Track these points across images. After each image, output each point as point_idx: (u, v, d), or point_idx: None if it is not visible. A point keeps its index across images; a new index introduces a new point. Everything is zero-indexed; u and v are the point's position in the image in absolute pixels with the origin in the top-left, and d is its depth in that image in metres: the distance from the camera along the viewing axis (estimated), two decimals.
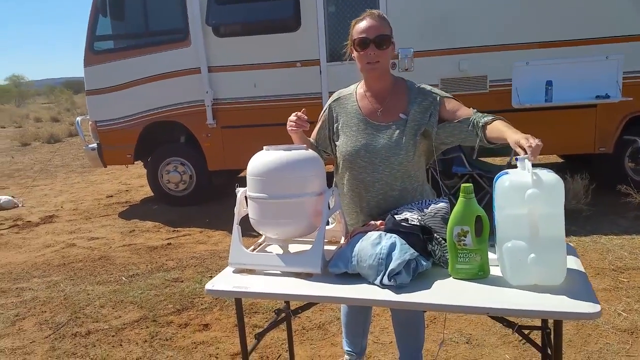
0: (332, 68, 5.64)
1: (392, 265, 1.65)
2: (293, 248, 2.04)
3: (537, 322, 2.08)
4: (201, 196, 6.38)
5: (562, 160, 7.27)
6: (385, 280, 1.64)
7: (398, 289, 1.63)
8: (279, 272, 1.83)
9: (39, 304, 3.77)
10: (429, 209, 1.95)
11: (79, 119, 7.03)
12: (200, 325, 3.26)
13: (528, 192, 1.54)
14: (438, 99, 2.05)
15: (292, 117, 2.02)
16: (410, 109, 2.04)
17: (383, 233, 1.79)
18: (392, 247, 1.71)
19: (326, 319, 3.25)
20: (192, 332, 3.19)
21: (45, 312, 3.62)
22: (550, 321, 1.78)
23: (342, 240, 2.03)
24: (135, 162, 6.50)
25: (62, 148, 13.21)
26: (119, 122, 6.21)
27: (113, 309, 3.59)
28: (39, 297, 3.89)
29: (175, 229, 5.50)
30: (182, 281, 4.00)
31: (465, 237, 1.65)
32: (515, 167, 1.65)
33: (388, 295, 1.61)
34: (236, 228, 1.91)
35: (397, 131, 2.03)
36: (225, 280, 1.82)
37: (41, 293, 3.98)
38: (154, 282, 4.01)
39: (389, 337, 2.99)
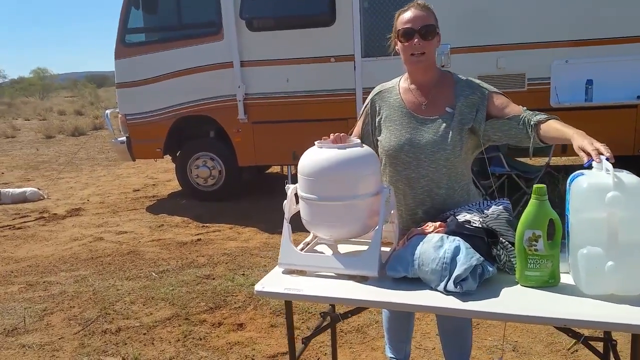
0: (366, 64, 5.58)
1: (457, 271, 1.56)
2: (343, 248, 1.96)
3: (600, 332, 1.97)
4: (230, 192, 6.34)
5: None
6: (451, 287, 1.56)
7: (464, 295, 1.54)
8: (332, 274, 1.75)
9: (67, 298, 3.76)
10: (490, 210, 1.85)
11: (108, 111, 7.05)
12: (235, 324, 3.20)
13: (609, 194, 1.43)
14: (486, 93, 1.96)
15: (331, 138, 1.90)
16: (457, 103, 1.96)
17: (445, 236, 1.70)
18: (457, 250, 1.62)
19: (365, 322, 3.17)
20: (226, 331, 3.13)
21: (73, 307, 3.61)
22: (616, 332, 1.67)
23: (396, 242, 1.94)
24: (164, 157, 6.50)
25: (87, 141, 13.34)
26: (149, 115, 6.21)
27: (144, 305, 3.56)
28: (67, 292, 3.88)
29: (205, 225, 5.47)
30: (213, 278, 3.95)
31: (536, 241, 1.55)
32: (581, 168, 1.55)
33: (454, 302, 1.52)
34: (286, 227, 1.83)
35: (444, 125, 1.95)
36: (275, 282, 1.75)
37: (69, 287, 3.97)
38: (185, 278, 3.97)
39: (431, 343, 2.90)
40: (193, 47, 5.95)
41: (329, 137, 1.84)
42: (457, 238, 1.68)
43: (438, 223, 1.82)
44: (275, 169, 7.86)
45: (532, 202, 1.55)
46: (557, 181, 5.29)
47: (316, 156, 1.78)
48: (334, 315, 2.07)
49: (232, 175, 6.27)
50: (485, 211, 1.86)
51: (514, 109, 1.92)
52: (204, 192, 6.37)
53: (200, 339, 3.06)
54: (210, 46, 5.88)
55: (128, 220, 5.87)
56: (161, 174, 8.59)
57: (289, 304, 1.80)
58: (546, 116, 1.82)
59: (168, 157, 6.85)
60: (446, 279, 1.58)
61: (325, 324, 2.04)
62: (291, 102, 5.80)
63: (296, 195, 1.88)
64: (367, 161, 1.77)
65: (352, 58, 5.58)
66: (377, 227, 1.76)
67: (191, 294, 3.69)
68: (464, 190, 2.04)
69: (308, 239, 2.06)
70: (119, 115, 6.38)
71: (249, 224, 5.38)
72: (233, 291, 3.68)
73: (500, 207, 1.87)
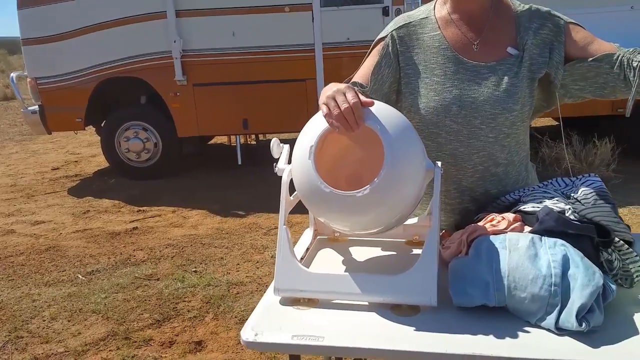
0: (327, 14, 5.09)
1: (580, 297, 1.00)
2: (361, 251, 1.39)
3: None
4: (169, 168, 5.73)
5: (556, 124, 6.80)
6: (569, 322, 1.00)
7: (587, 336, 0.99)
8: (360, 302, 1.16)
9: None
10: (579, 193, 1.31)
11: (13, 75, 6.16)
12: (191, 343, 2.57)
13: None
14: (562, 25, 1.39)
15: (342, 104, 1.10)
16: (523, 41, 1.39)
17: (536, 237, 1.14)
18: (566, 263, 1.06)
19: None
20: (180, 354, 2.50)
21: None
22: None
23: (435, 244, 1.35)
24: (86, 128, 5.77)
25: None
26: (65, 78, 5.45)
27: (69, 321, 2.86)
28: None
29: (141, 209, 4.76)
30: (157, 279, 3.29)
31: None
32: None
33: (578, 348, 0.96)
34: (284, 234, 1.20)
35: (507, 74, 1.38)
36: (272, 322, 1.13)
37: None
38: (121, 281, 3.28)
39: None
40: None
41: (329, 108, 1.11)
42: (559, 241, 1.12)
43: (512, 216, 1.25)
44: (221, 139, 7.18)
45: None
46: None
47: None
48: None
49: (170, 148, 5.66)
50: (573, 194, 1.31)
51: (602, 46, 1.36)
52: (137, 169, 5.72)
53: None
54: None
55: (46, 207, 5.05)
56: (84, 149, 7.75)
57: (295, 359, 1.19)
58: None
59: (92, 129, 6.18)
60: (556, 309, 1.02)
61: None
62: (238, 60, 5.22)
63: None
64: (406, 127, 1.18)
65: (309, 7, 5.06)
66: (432, 224, 1.18)
67: (130, 302, 3.01)
68: (522, 164, 1.50)
69: (307, 239, 1.46)
70: (28, 80, 5.53)
71: (196, 205, 4.74)
72: (184, 295, 3.03)
73: (591, 187, 1.32)
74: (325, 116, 1.11)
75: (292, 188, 1.24)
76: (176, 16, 5.11)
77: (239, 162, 5.79)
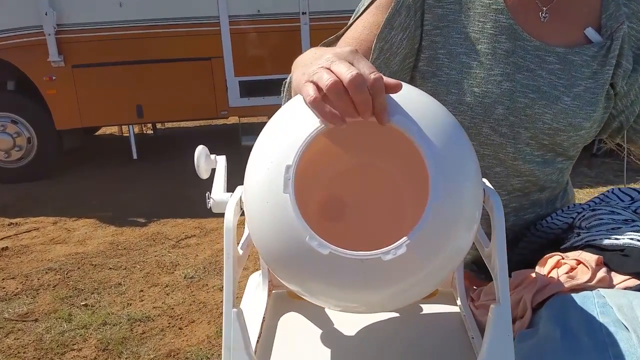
0: None
1: None
2: (338, 315, 0.89)
3: None
4: (48, 168, 5.06)
5: None
6: None
7: None
8: None
9: None
10: None
11: None
12: None
13: None
14: None
15: (352, 81, 0.57)
16: (611, 24, 0.95)
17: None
18: None
19: None
20: None
21: None
22: None
23: (464, 306, 0.89)
24: None
25: None
26: None
27: None
28: None
29: (13, 222, 4.02)
30: (35, 319, 2.62)
31: None
32: None
33: None
34: (233, 319, 0.68)
35: (585, 71, 0.94)
36: None
37: None
38: None
39: None
40: None
41: (323, 88, 0.59)
42: None
43: (593, 258, 0.83)
44: (111, 128, 6.44)
45: None
46: None
47: None
48: None
49: (47, 144, 5.01)
50: None
51: None
52: (6, 170, 5.05)
53: None
54: None
55: None
56: None
57: None
58: None
59: None
60: None
61: None
62: (127, 35, 4.68)
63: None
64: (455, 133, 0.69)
65: None
66: (499, 282, 0.69)
67: None
68: (562, 186, 1.09)
69: (256, 297, 0.96)
70: None
71: (83, 214, 4.07)
72: (73, 341, 2.40)
73: None
74: (312, 105, 0.59)
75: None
76: None
77: (134, 157, 5.21)
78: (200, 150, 0.87)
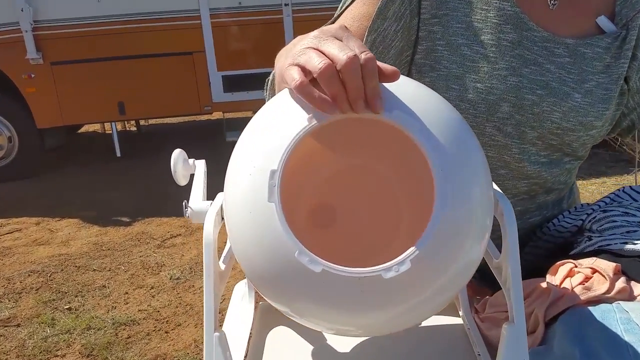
0: None
1: None
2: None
3: None
4: (29, 167, 4.93)
5: None
6: None
7: None
8: None
9: None
10: None
11: None
12: None
13: None
14: None
15: (343, 58, 0.51)
16: (626, 13, 0.88)
17: None
18: None
19: None
20: None
21: None
22: None
23: (471, 318, 0.85)
24: None
25: None
26: None
27: None
28: None
29: None
30: (17, 324, 2.56)
31: None
32: None
33: None
34: (215, 341, 0.64)
35: (597, 65, 0.88)
36: None
37: None
38: None
39: None
40: None
41: (310, 69, 0.52)
42: None
43: (610, 266, 0.78)
44: (94, 126, 6.32)
45: None
46: None
47: None
48: None
49: (28, 143, 4.88)
50: None
51: None
52: None
53: None
54: None
55: None
56: None
57: None
58: None
59: None
60: None
61: None
62: (107, 31, 4.56)
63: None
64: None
65: None
66: (513, 300, 0.64)
67: None
68: (569, 186, 1.03)
69: (242, 310, 0.92)
70: None
71: (66, 214, 3.98)
72: (56, 347, 2.35)
73: None
74: (299, 90, 0.52)
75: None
76: None
77: (118, 154, 5.12)
78: (177, 155, 0.82)
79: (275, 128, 0.54)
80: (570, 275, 0.75)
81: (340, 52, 0.50)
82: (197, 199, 0.76)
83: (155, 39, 4.55)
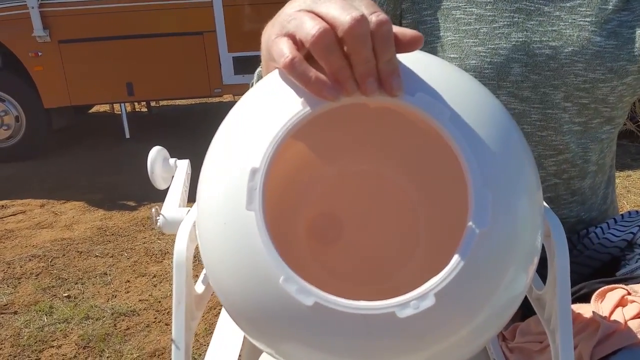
0: None
1: None
2: None
3: None
4: (36, 147, 4.84)
5: None
6: None
7: None
8: None
9: None
10: None
11: None
12: None
13: None
14: None
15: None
16: None
17: None
18: None
19: None
20: None
21: None
22: None
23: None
24: None
25: None
26: None
27: None
28: None
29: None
30: (15, 312, 2.48)
31: None
32: None
33: None
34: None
35: (615, 19, 0.75)
36: None
37: None
38: None
39: None
40: None
41: (305, 40, 0.39)
42: None
43: None
44: (104, 106, 6.23)
45: None
46: None
47: None
48: None
49: (35, 123, 4.78)
50: None
51: None
52: None
53: None
54: None
55: None
56: None
57: None
58: None
59: None
60: None
61: None
62: (116, 9, 4.41)
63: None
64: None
65: None
66: (560, 343, 0.50)
67: None
68: (611, 169, 0.89)
69: (228, 342, 0.80)
70: None
71: (72, 196, 3.90)
72: (52, 337, 2.26)
73: None
74: (289, 69, 0.39)
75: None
76: None
77: (127, 136, 5.04)
78: (156, 153, 0.71)
79: (259, 118, 0.42)
80: (622, 305, 0.62)
81: (342, 13, 0.37)
82: (172, 205, 0.64)
83: (165, 18, 4.44)
